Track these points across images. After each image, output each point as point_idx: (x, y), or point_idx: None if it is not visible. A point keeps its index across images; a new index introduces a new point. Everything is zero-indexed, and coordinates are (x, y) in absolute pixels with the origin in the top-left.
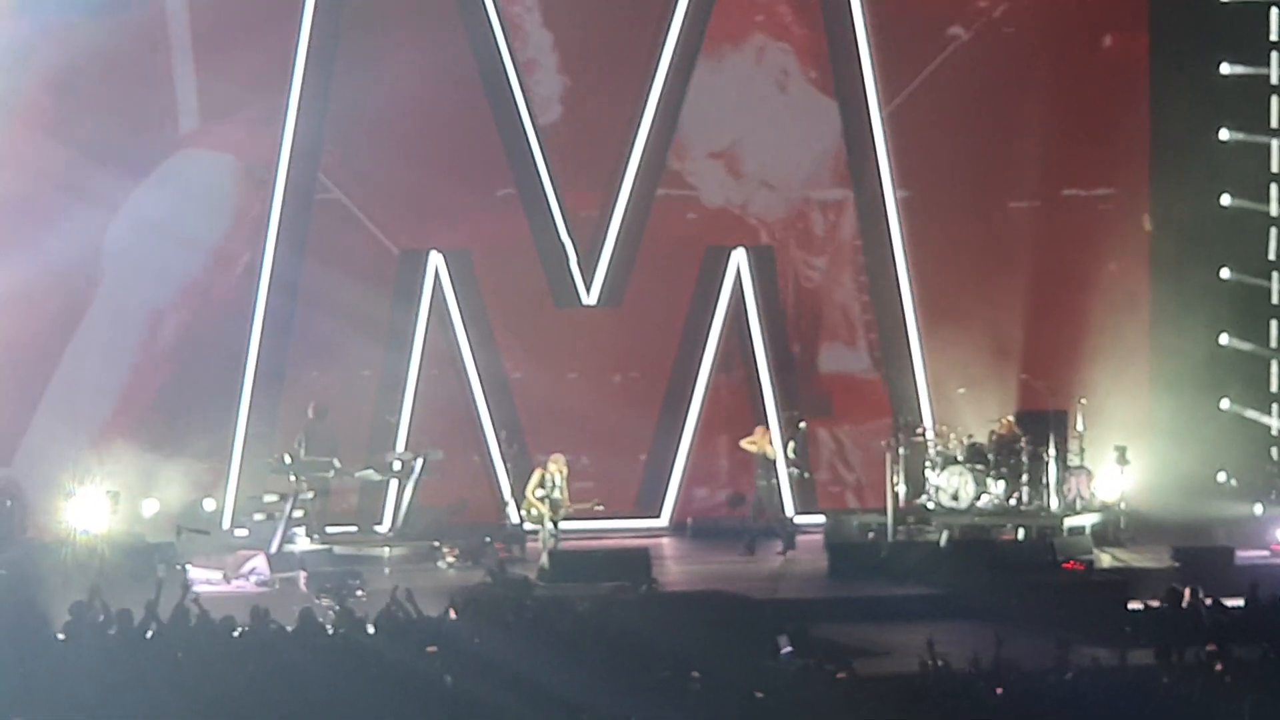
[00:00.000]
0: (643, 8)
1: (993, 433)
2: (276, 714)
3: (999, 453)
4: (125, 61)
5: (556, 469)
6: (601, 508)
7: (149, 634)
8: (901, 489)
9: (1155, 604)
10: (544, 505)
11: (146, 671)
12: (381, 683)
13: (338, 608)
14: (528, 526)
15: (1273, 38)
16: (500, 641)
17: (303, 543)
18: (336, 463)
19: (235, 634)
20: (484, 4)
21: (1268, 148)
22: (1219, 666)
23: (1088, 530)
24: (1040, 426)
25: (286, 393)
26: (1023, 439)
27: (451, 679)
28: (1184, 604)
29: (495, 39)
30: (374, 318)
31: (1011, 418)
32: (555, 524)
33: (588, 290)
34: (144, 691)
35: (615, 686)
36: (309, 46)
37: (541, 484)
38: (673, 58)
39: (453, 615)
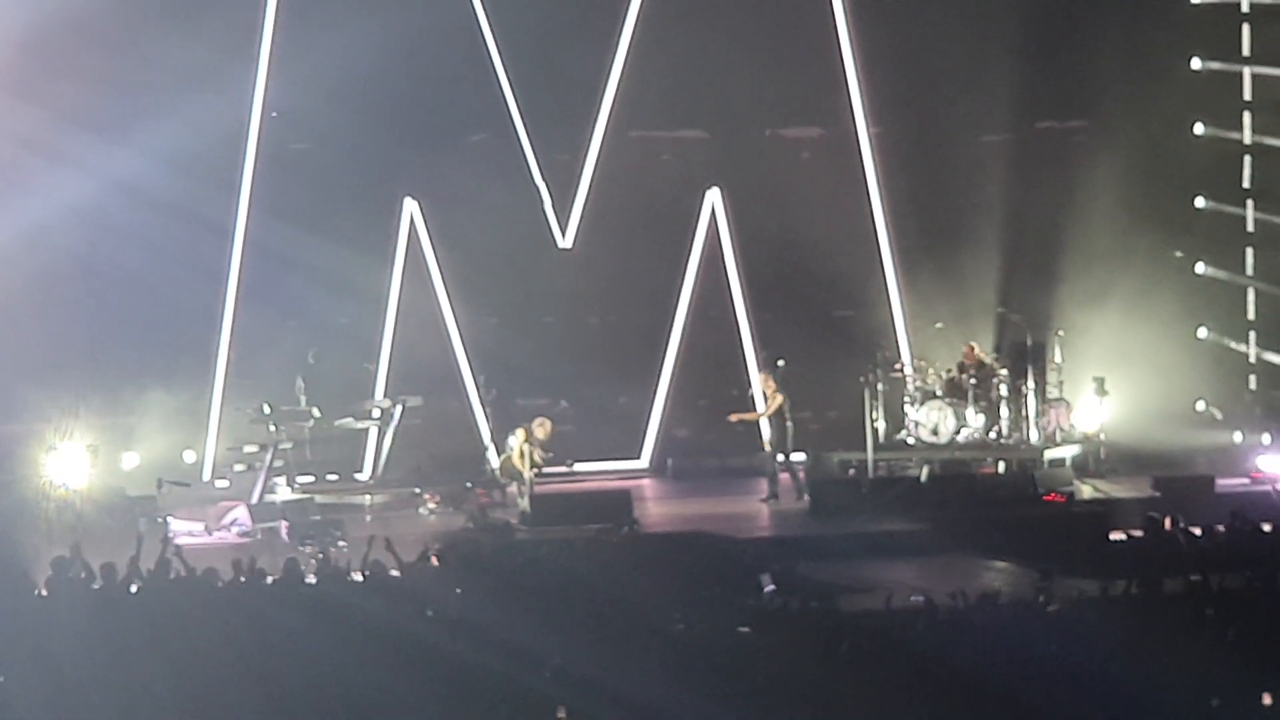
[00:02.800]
0: None
1: (960, 364)
2: (259, 666)
3: (970, 380)
4: (97, 24)
5: (543, 434)
6: (572, 463)
7: (132, 588)
8: (881, 425)
9: (1137, 534)
10: (525, 466)
11: (129, 625)
12: (364, 632)
13: (320, 556)
14: (502, 481)
15: None
16: (482, 587)
17: (284, 492)
18: (316, 411)
19: (218, 585)
20: None
21: (1240, 76)
22: (1201, 598)
23: (1068, 462)
24: (1018, 359)
25: (263, 345)
26: (990, 363)
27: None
28: (1165, 533)
29: None
30: (349, 267)
31: (974, 344)
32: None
33: (563, 234)
34: (126, 645)
35: (598, 629)
36: (279, 6)
37: (527, 445)
38: (642, 2)
39: (434, 562)
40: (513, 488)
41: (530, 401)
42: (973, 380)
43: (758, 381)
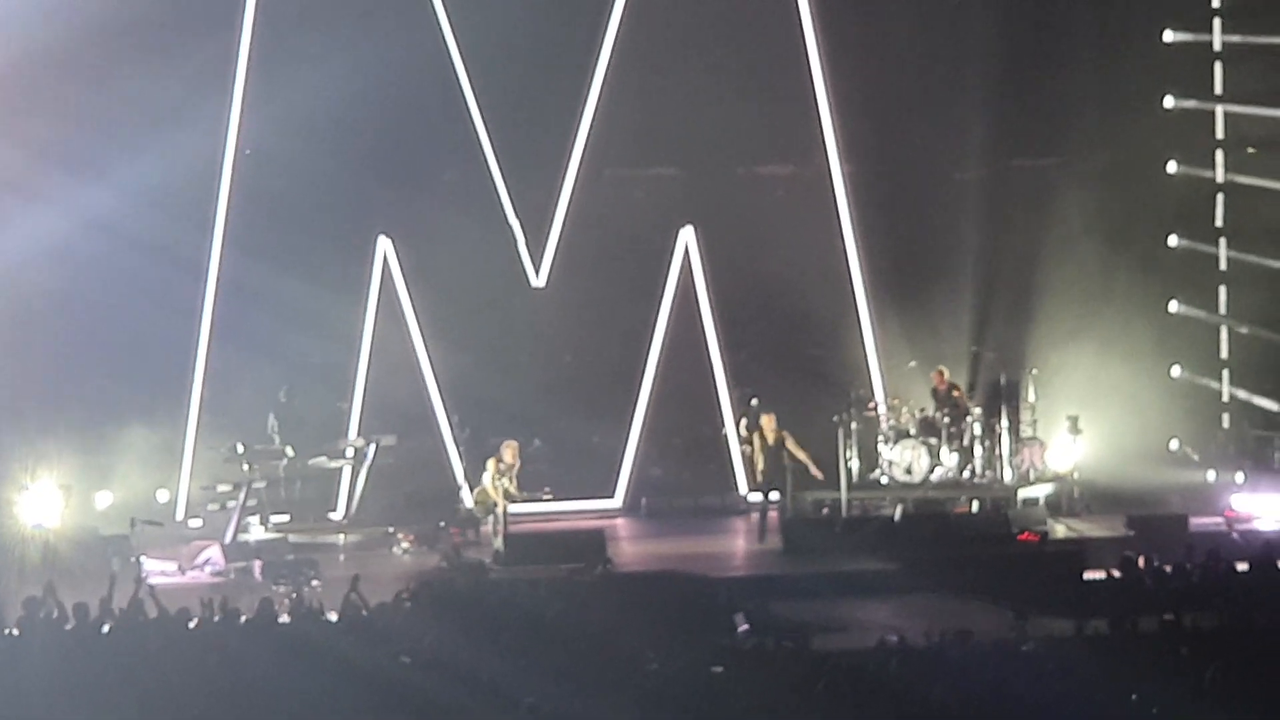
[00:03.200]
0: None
1: (932, 389)
2: (233, 704)
3: (944, 419)
4: (71, 61)
5: (511, 456)
6: (550, 495)
7: (105, 628)
8: (854, 464)
9: (1112, 573)
10: (499, 494)
11: (102, 665)
12: (338, 671)
13: (294, 595)
14: (479, 514)
15: (1214, 4)
16: (456, 626)
17: (257, 532)
18: (289, 450)
19: (191, 625)
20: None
21: (1212, 114)
22: (1175, 637)
23: (1042, 501)
24: (992, 398)
25: (237, 383)
26: (960, 391)
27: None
28: (1138, 572)
29: (439, 26)
30: (323, 305)
31: (943, 369)
32: (506, 512)
33: (536, 272)
34: (99, 685)
35: (572, 669)
36: (251, 44)
37: (498, 473)
38: (615, 41)
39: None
40: (487, 526)
41: (504, 440)
42: (946, 419)
43: (766, 421)
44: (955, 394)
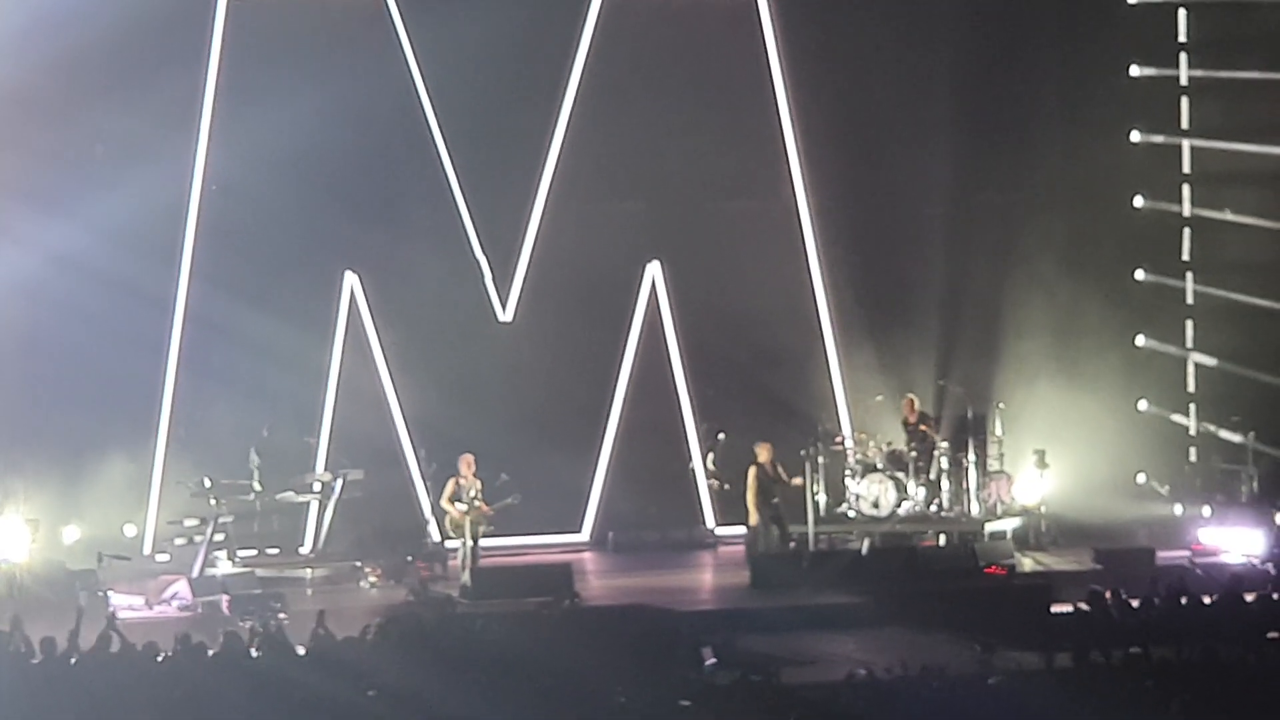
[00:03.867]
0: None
1: (903, 419)
2: None
3: (912, 453)
4: (37, 97)
5: (467, 470)
6: (517, 501)
7: (72, 661)
8: (821, 498)
9: (1078, 607)
10: (463, 515)
11: (69, 699)
12: (305, 706)
13: (261, 630)
14: (450, 543)
15: (1181, 39)
16: (423, 660)
17: (224, 566)
18: (257, 485)
19: (159, 659)
20: (395, 30)
21: (1179, 149)
22: (1142, 671)
23: (1009, 534)
24: (959, 431)
25: (204, 418)
26: (925, 426)
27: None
28: (1105, 605)
29: (406, 62)
30: (290, 340)
31: (913, 396)
32: (475, 538)
33: (503, 307)
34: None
35: (540, 703)
36: (218, 79)
37: (456, 494)
38: (581, 76)
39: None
40: (455, 559)
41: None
42: (914, 452)
43: (763, 451)
44: (923, 428)
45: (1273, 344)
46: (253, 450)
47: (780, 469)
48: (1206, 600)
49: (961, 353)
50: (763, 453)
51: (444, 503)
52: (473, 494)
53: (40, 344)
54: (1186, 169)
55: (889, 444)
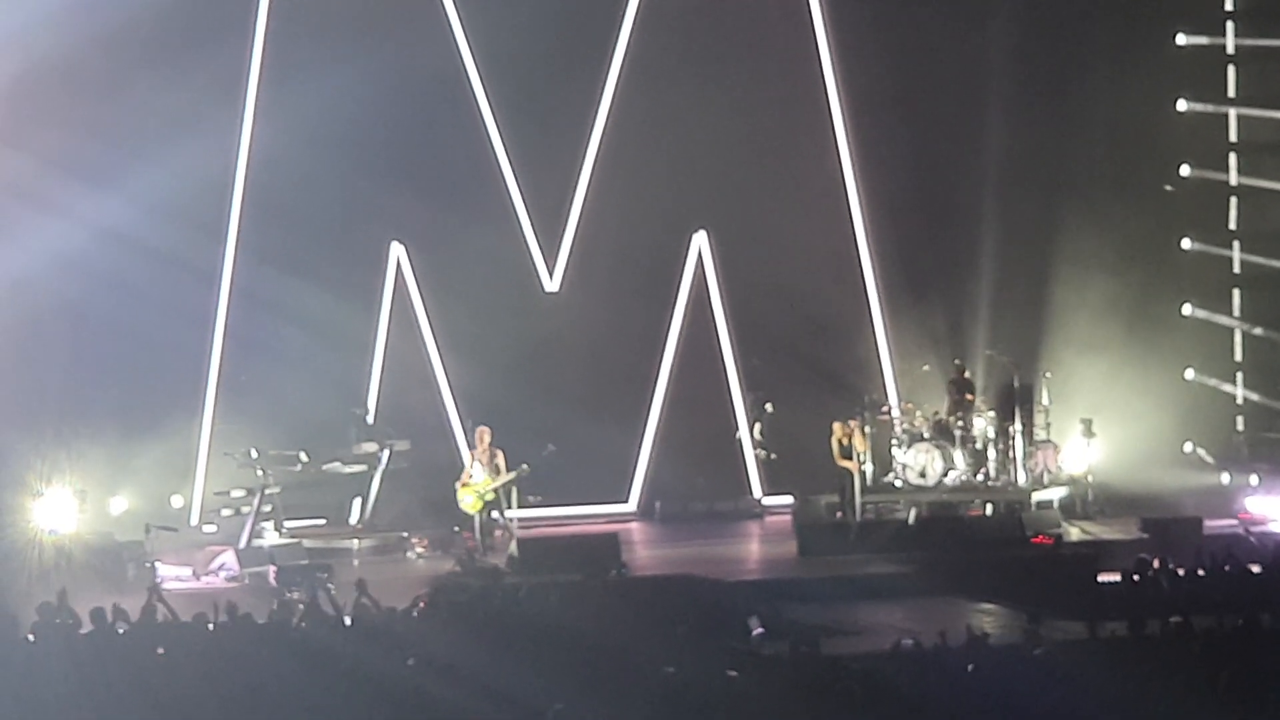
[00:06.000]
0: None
1: (951, 380)
2: (246, 709)
3: (958, 423)
4: (83, 71)
5: (481, 443)
6: (525, 472)
7: (120, 632)
8: (868, 468)
9: (1125, 576)
10: (474, 490)
11: (117, 670)
12: (353, 676)
13: (308, 600)
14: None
15: (1228, 7)
16: (470, 631)
17: (271, 537)
18: (304, 456)
19: (209, 627)
20: (441, 4)
21: (1225, 117)
22: (1189, 640)
23: (1056, 504)
24: (1006, 400)
25: (250, 389)
26: (970, 394)
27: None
28: (1153, 574)
29: (452, 32)
30: (336, 311)
31: (958, 360)
32: (494, 507)
33: (550, 277)
34: (114, 691)
35: (587, 673)
36: (264, 52)
37: (473, 463)
38: (629, 45)
39: (421, 607)
40: (499, 531)
41: (517, 445)
42: (959, 423)
43: (837, 430)
44: (969, 396)
45: None
46: (353, 429)
47: (857, 438)
48: (1255, 569)
49: (1008, 322)
50: (837, 430)
51: (459, 488)
52: (497, 464)
53: (88, 317)
54: (1233, 138)
55: (935, 413)
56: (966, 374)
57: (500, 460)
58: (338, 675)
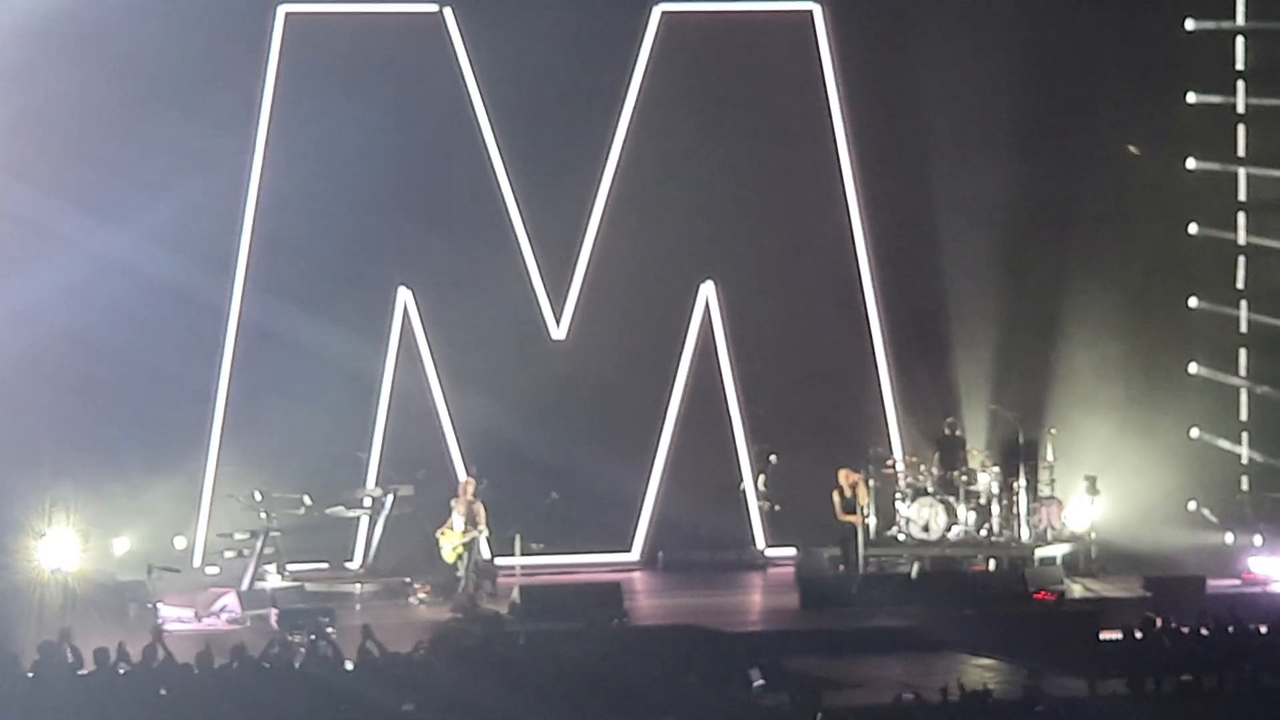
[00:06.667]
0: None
1: (940, 438)
2: None
3: (961, 478)
4: (94, 105)
5: (464, 495)
6: (485, 531)
7: (121, 672)
8: (872, 521)
9: (1128, 634)
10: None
11: (117, 710)
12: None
13: (310, 644)
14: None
15: (1238, 67)
16: (471, 678)
17: (274, 580)
18: (307, 499)
19: (215, 667)
20: (451, 43)
21: (1234, 176)
22: (1191, 699)
23: (1059, 560)
24: (1010, 456)
25: (256, 430)
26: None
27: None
28: (1155, 634)
29: (463, 75)
30: (343, 351)
31: (951, 419)
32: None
33: (557, 324)
34: None
35: None
36: (275, 89)
37: (458, 513)
38: (638, 92)
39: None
40: (506, 577)
41: (521, 491)
42: (963, 478)
43: (842, 478)
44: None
45: None
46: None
47: (860, 490)
48: (1264, 629)
49: (1014, 377)
50: (842, 477)
51: (441, 539)
52: (474, 518)
53: (94, 351)
54: (1243, 196)
55: (941, 468)
56: (958, 432)
57: (479, 514)
58: (343, 716)
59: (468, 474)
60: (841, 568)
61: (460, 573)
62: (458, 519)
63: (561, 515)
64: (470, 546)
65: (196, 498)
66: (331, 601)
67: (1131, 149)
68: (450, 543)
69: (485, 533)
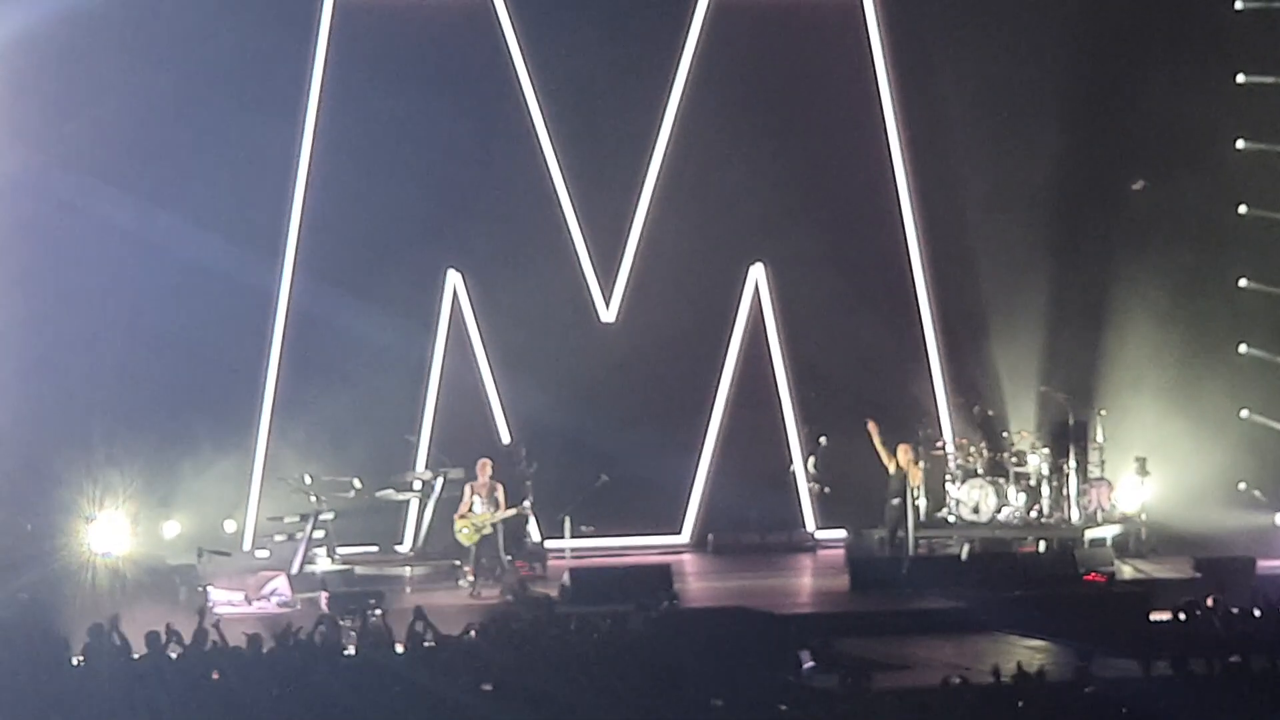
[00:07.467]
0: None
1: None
2: None
3: (1011, 459)
4: (145, 92)
5: (483, 475)
6: (529, 506)
7: (173, 656)
8: (922, 503)
9: (1178, 615)
10: (468, 524)
11: (168, 695)
12: (405, 703)
13: (360, 627)
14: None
15: None
16: (521, 660)
17: (324, 563)
18: (357, 483)
19: (264, 651)
20: (501, 28)
21: None
22: (1242, 681)
23: (1109, 542)
24: (1060, 437)
25: (306, 413)
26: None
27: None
28: (1205, 615)
29: (512, 60)
30: (393, 336)
31: (978, 407)
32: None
33: (607, 307)
34: (164, 716)
35: (638, 705)
36: (324, 75)
37: (473, 494)
38: (688, 75)
39: (473, 636)
40: (556, 559)
41: (570, 474)
42: (1013, 459)
43: (902, 452)
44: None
45: None
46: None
47: (912, 471)
48: None
49: (1063, 359)
50: (903, 454)
51: (457, 521)
52: (496, 498)
53: (145, 336)
54: None
55: (989, 449)
56: (990, 412)
57: (500, 494)
58: (391, 700)
59: (511, 447)
60: (886, 543)
61: (477, 554)
62: (478, 501)
63: (611, 498)
64: (497, 527)
65: (246, 481)
66: (381, 585)
67: (1135, 186)
68: (470, 524)
69: (511, 513)
